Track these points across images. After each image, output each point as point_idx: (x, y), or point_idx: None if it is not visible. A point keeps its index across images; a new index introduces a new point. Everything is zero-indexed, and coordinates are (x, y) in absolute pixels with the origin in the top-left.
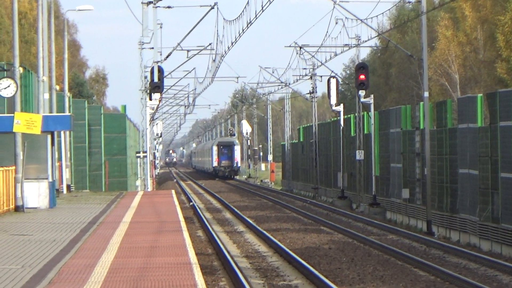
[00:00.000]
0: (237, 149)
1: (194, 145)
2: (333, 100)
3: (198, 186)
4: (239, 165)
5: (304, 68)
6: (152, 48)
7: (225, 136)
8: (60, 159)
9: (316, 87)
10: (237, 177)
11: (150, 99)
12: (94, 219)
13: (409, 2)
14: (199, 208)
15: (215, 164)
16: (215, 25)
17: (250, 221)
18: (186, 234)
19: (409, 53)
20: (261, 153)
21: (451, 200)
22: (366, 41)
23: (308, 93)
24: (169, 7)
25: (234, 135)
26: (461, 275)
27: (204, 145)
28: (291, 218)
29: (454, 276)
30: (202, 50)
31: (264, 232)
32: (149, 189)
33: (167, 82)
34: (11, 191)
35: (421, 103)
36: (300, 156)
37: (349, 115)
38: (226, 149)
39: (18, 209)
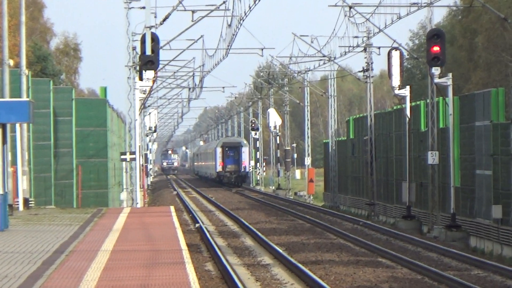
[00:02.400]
0: (245, 151)
1: (201, 143)
2: (396, 81)
3: (206, 200)
4: (247, 169)
5: (356, 37)
6: (144, 8)
7: (239, 135)
8: (14, 162)
9: (372, 63)
10: (259, 188)
11: (141, 79)
12: (62, 246)
13: None
14: (208, 231)
15: (219, 168)
16: None
17: (280, 250)
18: (190, 268)
19: (503, 15)
20: (295, 155)
21: None
22: None
23: (361, 71)
24: None
25: (257, 129)
26: None
27: (207, 146)
28: (337, 246)
29: None
30: (213, 10)
31: (299, 265)
32: (139, 205)
33: (164, 55)
34: None
35: None
36: (350, 160)
37: (418, 102)
38: (232, 151)
39: None
